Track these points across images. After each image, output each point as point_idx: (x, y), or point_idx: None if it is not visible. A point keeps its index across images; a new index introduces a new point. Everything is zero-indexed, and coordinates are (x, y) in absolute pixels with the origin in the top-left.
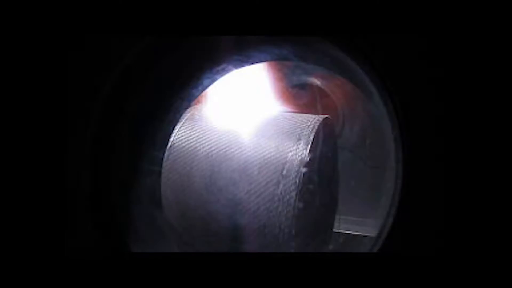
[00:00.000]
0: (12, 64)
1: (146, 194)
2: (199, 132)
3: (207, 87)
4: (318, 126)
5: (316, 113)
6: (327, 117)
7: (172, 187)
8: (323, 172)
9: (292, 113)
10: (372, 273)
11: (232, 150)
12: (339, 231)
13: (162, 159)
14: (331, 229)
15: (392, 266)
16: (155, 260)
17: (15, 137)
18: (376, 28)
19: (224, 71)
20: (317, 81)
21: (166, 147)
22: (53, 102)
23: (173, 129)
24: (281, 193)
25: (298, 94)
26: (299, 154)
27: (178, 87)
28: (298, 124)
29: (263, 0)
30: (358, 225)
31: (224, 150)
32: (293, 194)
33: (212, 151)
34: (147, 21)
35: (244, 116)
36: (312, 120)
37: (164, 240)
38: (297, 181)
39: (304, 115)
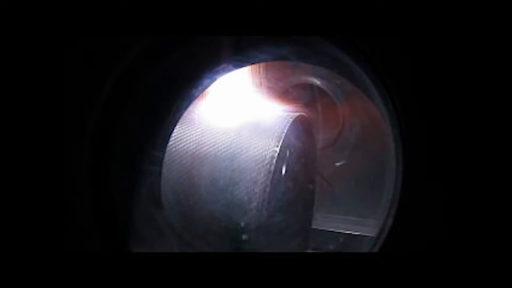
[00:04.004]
0: (11, 63)
1: (146, 194)
2: (199, 132)
3: (207, 87)
4: (290, 124)
5: (316, 113)
6: (301, 114)
7: (172, 187)
8: (298, 169)
9: (281, 112)
10: (372, 273)
11: (233, 150)
12: (339, 231)
13: (162, 159)
14: (310, 227)
15: (392, 266)
16: (155, 260)
17: (14, 136)
18: (376, 28)
19: (224, 71)
20: (317, 81)
21: (166, 147)
22: (53, 102)
23: (173, 129)
24: (264, 192)
25: (298, 94)
26: (274, 151)
27: (178, 87)
28: (273, 123)
29: (263, 0)
30: (358, 225)
31: (224, 150)
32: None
33: (212, 151)
34: (147, 21)
35: (243, 116)
36: (285, 119)
37: (164, 240)
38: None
39: (281, 114)
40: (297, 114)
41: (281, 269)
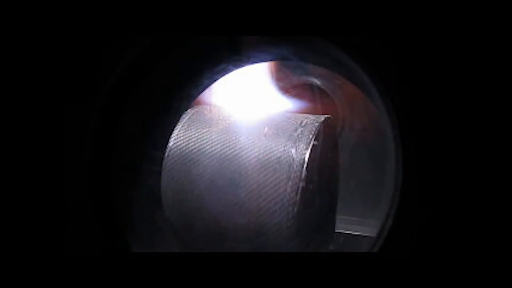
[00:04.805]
0: (12, 64)
1: (146, 194)
2: (200, 132)
3: (207, 87)
4: (318, 126)
5: (316, 113)
6: (328, 117)
7: (172, 187)
8: (324, 172)
9: (292, 113)
10: (372, 273)
11: (234, 150)
12: (339, 231)
13: (162, 159)
14: (332, 229)
15: (392, 266)
16: (155, 260)
17: (14, 137)
18: (376, 28)
19: (224, 71)
20: (317, 81)
21: (166, 147)
22: (53, 102)
23: (173, 129)
24: (282, 193)
25: (298, 94)
26: (300, 154)
27: (178, 87)
28: (298, 124)
29: (264, 0)
30: (358, 225)
31: (225, 151)
32: (294, 194)
33: (213, 151)
34: (147, 21)
35: (245, 116)
36: (312, 121)
37: (164, 240)
38: (298, 182)
39: (305, 115)
40: (324, 116)
41: (281, 269)
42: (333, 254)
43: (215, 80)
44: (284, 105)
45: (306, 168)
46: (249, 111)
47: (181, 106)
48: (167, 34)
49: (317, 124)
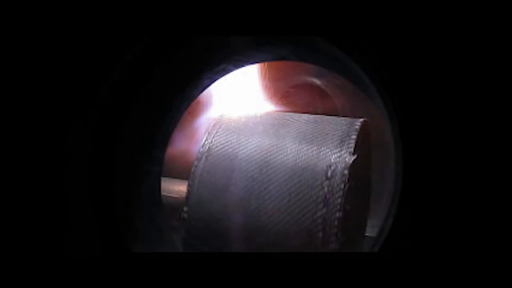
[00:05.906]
0: (13, 63)
1: (146, 194)
2: (239, 136)
3: (207, 87)
4: (360, 129)
5: (316, 113)
6: (365, 120)
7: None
8: (361, 175)
9: (331, 117)
10: (372, 273)
11: (276, 154)
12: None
13: (162, 159)
14: (364, 231)
15: (392, 266)
16: (155, 260)
17: (15, 137)
18: (376, 28)
19: (224, 71)
20: (317, 81)
21: (166, 147)
22: (54, 102)
23: (173, 129)
24: (325, 196)
25: (298, 94)
26: (343, 157)
27: (178, 87)
28: (340, 127)
29: (264, 0)
30: None
31: (264, 154)
32: (338, 196)
33: (251, 154)
34: (147, 21)
35: (273, 117)
36: (353, 124)
37: (164, 240)
38: (342, 185)
39: (342, 118)
40: (361, 120)
41: (281, 269)
42: (333, 254)
43: (215, 80)
44: (284, 105)
45: (349, 173)
46: (268, 112)
47: (181, 106)
48: (167, 34)
49: (355, 129)
